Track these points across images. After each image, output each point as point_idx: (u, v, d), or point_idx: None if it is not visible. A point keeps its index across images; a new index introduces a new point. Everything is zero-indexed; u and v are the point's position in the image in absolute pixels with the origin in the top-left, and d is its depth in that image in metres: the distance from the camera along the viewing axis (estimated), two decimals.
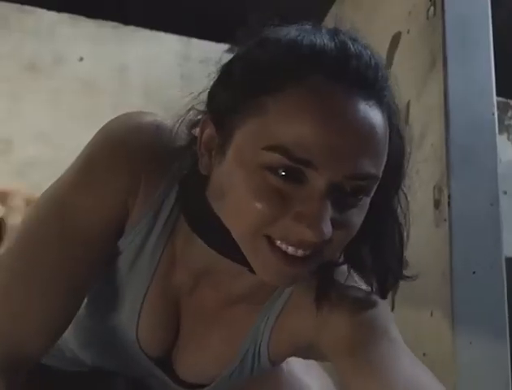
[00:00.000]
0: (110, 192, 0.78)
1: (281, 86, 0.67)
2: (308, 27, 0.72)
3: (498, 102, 1.46)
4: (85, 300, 0.86)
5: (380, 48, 1.78)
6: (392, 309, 1.49)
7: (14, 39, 2.59)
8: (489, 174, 1.38)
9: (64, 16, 2.68)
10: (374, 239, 0.78)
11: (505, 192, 2.35)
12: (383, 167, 0.69)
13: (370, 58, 0.68)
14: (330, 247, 0.70)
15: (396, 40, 1.75)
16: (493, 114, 1.41)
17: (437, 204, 1.38)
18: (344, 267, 0.82)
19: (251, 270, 0.74)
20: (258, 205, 0.67)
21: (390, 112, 0.71)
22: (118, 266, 0.84)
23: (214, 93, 0.75)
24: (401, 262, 0.82)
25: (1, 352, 0.78)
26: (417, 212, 1.46)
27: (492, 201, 1.36)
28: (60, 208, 0.79)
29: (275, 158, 0.66)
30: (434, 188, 1.40)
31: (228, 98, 0.72)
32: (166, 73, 2.73)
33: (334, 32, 0.70)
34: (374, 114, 0.67)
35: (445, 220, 1.34)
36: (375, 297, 0.82)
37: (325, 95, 0.65)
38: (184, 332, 0.90)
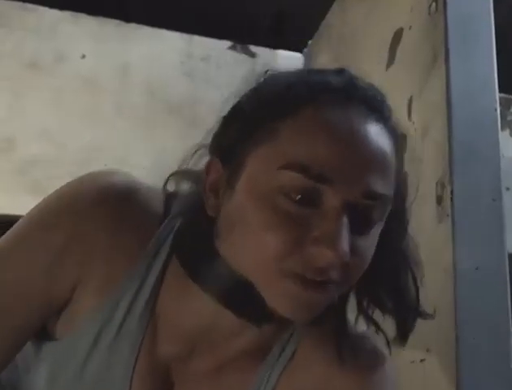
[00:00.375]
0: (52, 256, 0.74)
1: (292, 110, 0.68)
2: (313, 70, 0.76)
3: (500, 98, 1.46)
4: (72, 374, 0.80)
5: (382, 44, 1.79)
6: None
7: (16, 37, 2.59)
8: (492, 170, 1.38)
9: (66, 14, 2.68)
10: (390, 278, 0.77)
11: (508, 189, 2.35)
12: (393, 191, 0.70)
13: (375, 90, 0.72)
14: (347, 273, 0.67)
15: (398, 36, 1.75)
16: (495, 109, 1.41)
17: (440, 200, 1.38)
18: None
19: (256, 324, 0.73)
20: (273, 237, 0.66)
21: (397, 142, 0.71)
22: (101, 337, 0.77)
23: (220, 132, 0.75)
24: (418, 302, 0.80)
25: None
26: (419, 208, 1.46)
27: (494, 197, 1.36)
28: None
29: (292, 176, 0.65)
30: (437, 184, 1.40)
31: (237, 131, 0.72)
32: (168, 71, 2.73)
33: (338, 73, 0.73)
34: (384, 138, 0.69)
35: (448, 216, 1.34)
36: (385, 353, 0.82)
37: (337, 113, 0.68)
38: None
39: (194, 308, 0.76)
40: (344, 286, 0.70)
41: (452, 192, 1.35)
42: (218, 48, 2.81)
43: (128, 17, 2.74)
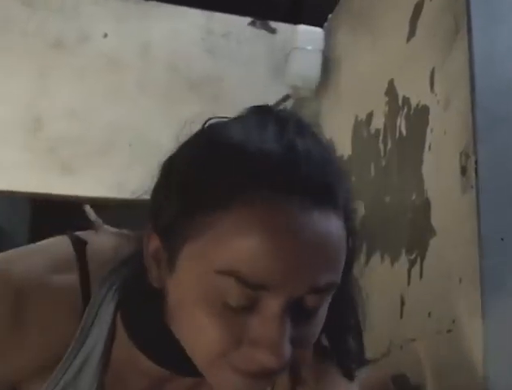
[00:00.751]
0: None
1: (227, 204, 0.61)
2: (253, 126, 0.66)
3: None
4: None
5: (403, 17, 1.77)
6: (421, 277, 1.50)
7: (39, 17, 2.61)
8: None
9: None
10: (331, 327, 0.73)
11: None
12: (340, 273, 0.65)
13: (320, 159, 0.63)
14: (289, 363, 0.65)
15: (418, 8, 1.73)
16: None
17: (464, 171, 1.38)
18: None
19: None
20: (212, 337, 0.63)
21: (347, 211, 0.66)
22: None
23: (154, 202, 0.68)
24: (361, 345, 0.80)
25: None
26: (443, 180, 1.46)
27: None
28: None
29: (229, 283, 0.60)
30: (461, 154, 1.39)
31: (169, 214, 0.65)
32: (189, 47, 2.74)
33: (280, 131, 0.64)
34: (328, 224, 0.62)
35: (472, 187, 1.34)
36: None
37: (275, 212, 0.60)
38: None
39: (145, 368, 0.74)
40: (289, 367, 0.68)
41: (476, 162, 1.34)
42: (238, 24, 2.80)
43: None
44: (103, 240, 0.76)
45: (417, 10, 1.73)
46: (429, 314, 1.43)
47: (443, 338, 1.37)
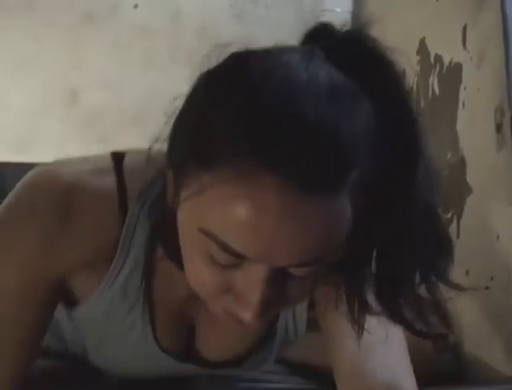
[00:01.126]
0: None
1: (220, 166, 0.58)
2: (274, 68, 0.61)
3: None
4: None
5: None
6: (458, 235, 1.50)
7: None
8: None
9: None
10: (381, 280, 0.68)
11: None
12: (333, 247, 0.61)
13: (332, 127, 0.56)
14: (275, 311, 0.69)
15: None
16: None
17: (499, 128, 1.37)
18: None
19: None
20: (199, 275, 0.65)
21: (356, 182, 0.59)
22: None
23: (170, 139, 0.69)
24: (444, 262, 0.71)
25: None
26: (478, 137, 1.45)
27: None
28: None
29: (212, 245, 0.60)
30: (495, 111, 1.38)
31: (176, 156, 0.66)
32: (218, 14, 2.74)
33: (295, 98, 0.57)
34: (317, 209, 0.57)
35: (507, 144, 1.33)
36: None
37: (264, 189, 0.56)
38: (201, 321, 0.90)
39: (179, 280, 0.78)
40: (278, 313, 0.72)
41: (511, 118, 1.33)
42: None
43: None
44: (141, 157, 0.76)
45: None
46: (467, 271, 1.43)
47: (481, 295, 1.37)
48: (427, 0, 1.75)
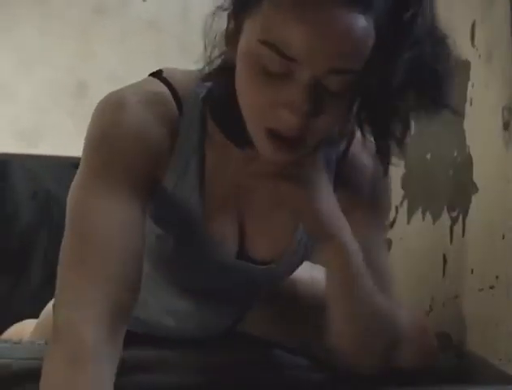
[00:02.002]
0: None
1: None
2: None
3: None
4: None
5: None
6: (463, 234, 1.50)
7: None
8: None
9: None
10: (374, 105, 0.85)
11: None
12: (361, 63, 0.78)
13: None
14: (312, 134, 0.82)
15: None
16: None
17: (507, 125, 1.36)
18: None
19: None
20: (253, 92, 0.81)
21: (379, 12, 0.77)
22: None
23: None
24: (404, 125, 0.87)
25: (105, 305, 0.81)
26: (485, 135, 1.44)
27: None
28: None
29: (267, 52, 0.77)
30: (503, 109, 1.37)
31: None
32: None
33: None
34: (354, 22, 0.75)
35: None
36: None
37: (314, 3, 0.75)
38: (249, 217, 1.03)
39: (230, 155, 0.96)
40: (311, 144, 0.85)
41: None
42: None
43: None
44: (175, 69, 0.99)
45: None
46: (472, 270, 1.43)
47: (486, 294, 1.37)
48: None
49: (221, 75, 0.90)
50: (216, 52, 0.90)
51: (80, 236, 0.85)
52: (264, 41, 0.77)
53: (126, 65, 2.61)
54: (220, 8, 0.87)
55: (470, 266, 1.44)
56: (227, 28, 0.86)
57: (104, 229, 0.84)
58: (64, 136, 2.53)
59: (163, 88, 0.95)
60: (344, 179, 1.02)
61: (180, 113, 0.94)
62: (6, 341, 1.22)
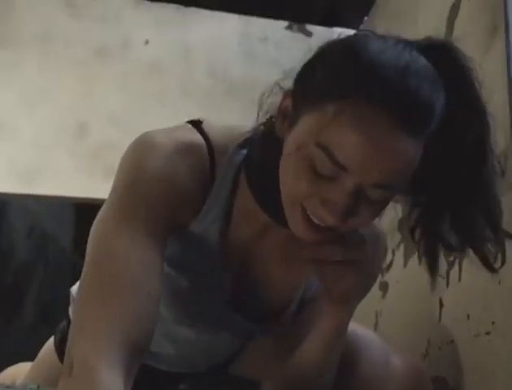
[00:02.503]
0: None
1: (342, 97, 0.80)
2: (390, 47, 0.83)
3: None
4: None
5: (439, 17, 1.77)
6: (460, 279, 1.50)
7: (83, 25, 2.68)
8: None
9: (129, 1, 2.75)
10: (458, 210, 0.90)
11: None
12: (405, 181, 0.84)
13: (425, 97, 0.80)
14: (344, 227, 0.87)
15: (456, 7, 1.73)
16: None
17: (502, 173, 1.37)
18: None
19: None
20: (298, 182, 0.84)
21: (430, 135, 0.83)
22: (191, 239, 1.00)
23: (298, 77, 0.90)
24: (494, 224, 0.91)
25: (121, 344, 0.81)
26: None
27: None
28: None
29: (321, 155, 0.81)
30: (499, 155, 1.38)
31: (305, 88, 0.86)
32: (227, 52, 2.77)
33: (405, 66, 0.80)
34: (405, 146, 0.80)
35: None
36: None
37: (374, 121, 0.79)
38: (257, 272, 1.07)
39: (255, 217, 0.99)
40: (342, 232, 0.89)
41: None
42: (275, 28, 2.83)
43: (186, 1, 2.79)
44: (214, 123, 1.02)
45: (454, 10, 1.72)
46: (468, 316, 1.43)
47: (482, 340, 1.36)
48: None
49: (265, 143, 0.95)
50: (263, 119, 0.96)
51: (100, 275, 0.86)
52: (320, 145, 0.81)
53: (127, 106, 2.64)
54: (278, 86, 0.93)
55: (467, 311, 1.44)
56: (282, 104, 0.90)
57: (125, 271, 0.86)
58: (64, 176, 2.54)
59: (200, 140, 0.97)
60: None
61: (212, 170, 0.97)
62: None
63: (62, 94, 2.62)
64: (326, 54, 0.87)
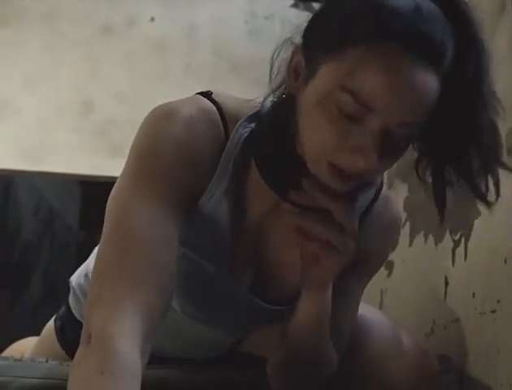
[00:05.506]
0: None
1: (363, 41, 0.82)
2: None
3: None
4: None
5: None
6: (465, 257, 1.50)
7: (88, 4, 2.66)
8: None
9: None
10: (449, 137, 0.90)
11: None
12: (425, 117, 0.85)
13: (439, 37, 0.82)
14: (371, 173, 0.88)
15: None
16: None
17: (510, 150, 1.37)
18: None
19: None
20: (323, 137, 0.85)
21: (445, 69, 0.84)
22: (201, 217, 0.98)
23: (309, 30, 0.91)
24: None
25: (138, 313, 0.82)
26: None
27: None
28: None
29: (345, 97, 0.82)
30: (506, 135, 1.38)
31: (320, 39, 0.87)
32: (233, 30, 2.76)
33: (418, 9, 0.82)
34: (427, 81, 0.82)
35: None
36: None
37: (394, 60, 0.81)
38: (268, 258, 1.05)
39: (263, 196, 0.98)
40: (367, 180, 0.91)
41: None
42: (281, 6, 2.81)
43: None
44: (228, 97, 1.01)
45: None
46: (473, 294, 1.43)
47: (487, 318, 1.37)
48: None
49: (275, 111, 0.95)
50: (277, 82, 0.94)
51: (118, 244, 0.86)
52: (346, 88, 0.82)
53: (132, 83, 2.63)
54: (289, 41, 0.93)
55: (472, 289, 1.44)
56: (292, 61, 0.91)
57: (144, 241, 0.86)
58: (69, 154, 2.54)
59: (213, 109, 0.97)
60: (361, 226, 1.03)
61: (225, 140, 0.97)
62: (7, 358, 1.22)
63: (67, 72, 2.61)
64: (339, 3, 0.88)
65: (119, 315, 0.80)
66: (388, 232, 1.11)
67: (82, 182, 4.39)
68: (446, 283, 1.57)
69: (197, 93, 1.00)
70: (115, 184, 0.93)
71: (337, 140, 0.84)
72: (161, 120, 0.94)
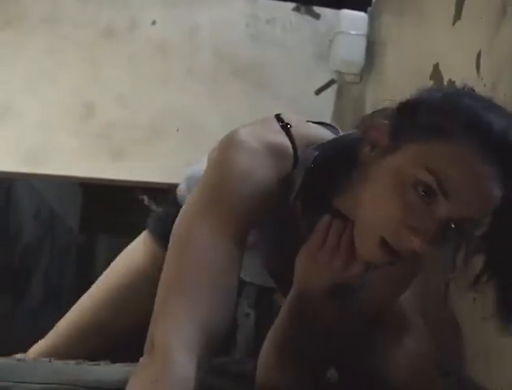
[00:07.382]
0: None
1: (452, 136, 0.87)
2: (489, 102, 0.93)
3: None
4: None
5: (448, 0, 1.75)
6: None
7: (91, 7, 2.67)
8: None
9: None
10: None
11: None
12: (483, 218, 0.90)
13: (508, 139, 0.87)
14: (417, 255, 0.90)
15: None
16: None
17: None
18: None
19: None
20: (390, 206, 0.88)
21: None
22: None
23: (400, 111, 0.93)
24: None
25: (197, 330, 0.88)
26: None
27: None
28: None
29: (427, 176, 0.86)
30: None
31: (410, 121, 0.91)
32: (234, 34, 2.76)
33: (507, 123, 0.89)
34: (496, 188, 0.87)
35: None
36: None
37: (481, 165, 0.86)
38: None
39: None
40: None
41: None
42: (282, 10, 2.81)
43: None
44: (304, 125, 1.07)
45: None
46: (474, 299, 1.43)
47: (488, 322, 1.36)
48: (443, 24, 1.76)
49: (343, 163, 0.98)
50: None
51: (182, 266, 0.92)
52: (431, 169, 0.86)
53: (134, 86, 2.64)
54: (378, 115, 0.96)
55: (473, 294, 1.43)
56: (373, 134, 0.93)
57: (206, 263, 0.92)
58: (70, 157, 2.54)
59: (287, 143, 1.01)
60: None
61: (293, 169, 1.01)
62: (8, 359, 1.21)
63: (69, 75, 2.62)
64: (426, 101, 0.93)
65: (179, 331, 0.87)
66: None
67: (83, 185, 4.39)
68: (446, 286, 1.57)
69: (276, 117, 1.04)
70: (184, 206, 1.00)
71: (402, 216, 0.88)
72: (229, 152, 0.98)
